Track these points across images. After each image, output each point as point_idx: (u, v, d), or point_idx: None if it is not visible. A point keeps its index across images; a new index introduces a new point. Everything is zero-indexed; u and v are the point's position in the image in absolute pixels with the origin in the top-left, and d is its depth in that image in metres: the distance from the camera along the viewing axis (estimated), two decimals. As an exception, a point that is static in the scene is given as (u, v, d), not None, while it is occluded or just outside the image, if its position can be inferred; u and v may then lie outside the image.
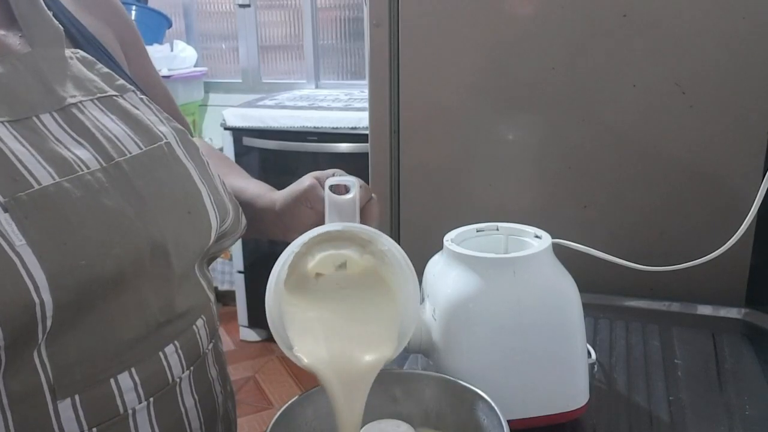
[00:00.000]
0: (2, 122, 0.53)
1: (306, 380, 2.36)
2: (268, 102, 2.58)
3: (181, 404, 0.61)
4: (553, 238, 0.69)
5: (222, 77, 3.06)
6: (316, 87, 2.89)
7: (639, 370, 0.78)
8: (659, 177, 1.00)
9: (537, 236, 0.70)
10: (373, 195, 0.69)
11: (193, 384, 0.62)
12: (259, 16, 2.92)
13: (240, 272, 2.58)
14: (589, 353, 0.77)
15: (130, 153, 0.59)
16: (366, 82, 1.14)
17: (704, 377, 0.77)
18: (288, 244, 0.60)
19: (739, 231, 0.76)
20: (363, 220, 0.65)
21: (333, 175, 0.69)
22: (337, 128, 2.27)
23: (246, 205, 0.75)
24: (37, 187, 0.51)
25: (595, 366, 0.79)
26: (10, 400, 0.49)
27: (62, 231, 0.51)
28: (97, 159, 0.56)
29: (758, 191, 0.75)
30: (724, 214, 0.97)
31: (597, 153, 1.02)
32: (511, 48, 1.03)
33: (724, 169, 0.97)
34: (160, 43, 2.80)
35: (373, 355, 0.55)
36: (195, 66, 2.91)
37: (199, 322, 0.64)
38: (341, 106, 2.45)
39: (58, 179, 0.52)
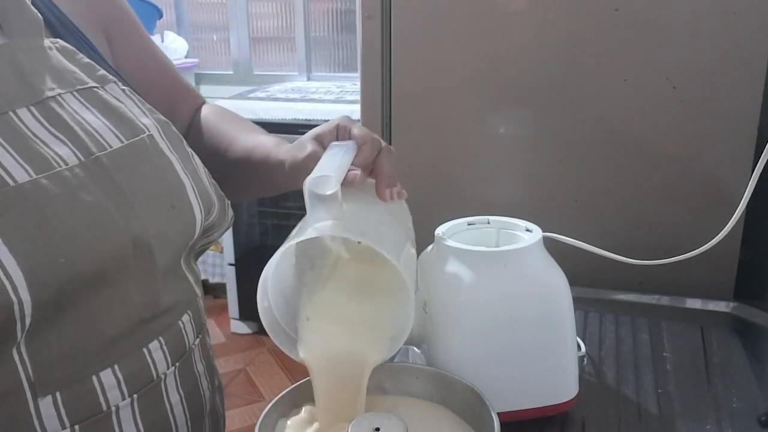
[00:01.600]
0: None
1: (296, 372, 2.36)
2: (259, 94, 2.57)
3: (166, 400, 0.60)
4: (543, 231, 0.69)
5: (213, 69, 3.04)
6: (308, 79, 2.88)
7: (628, 363, 0.79)
8: (649, 171, 1.01)
9: (528, 230, 0.70)
10: (383, 145, 0.64)
11: (178, 380, 0.61)
12: (251, 7, 2.90)
13: (231, 264, 2.57)
14: (578, 346, 0.77)
15: (111, 147, 0.58)
16: (358, 74, 1.13)
17: (693, 370, 0.77)
18: None
19: (728, 225, 0.76)
20: (375, 176, 0.62)
21: (336, 129, 0.66)
22: (328, 120, 2.26)
23: (259, 164, 0.72)
24: (12, 184, 0.50)
25: (585, 359, 0.79)
26: None
27: (40, 229, 0.50)
28: (76, 154, 0.55)
29: (747, 185, 0.75)
30: (714, 209, 0.97)
31: (588, 147, 1.03)
32: (503, 41, 1.03)
33: (714, 164, 0.98)
34: (151, 33, 2.78)
35: (362, 357, 0.55)
36: (186, 57, 2.90)
37: (185, 318, 0.63)
38: (333, 98, 2.44)
39: (34, 176, 0.51)
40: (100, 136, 0.58)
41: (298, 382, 0.59)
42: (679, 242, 0.83)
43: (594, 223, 1.04)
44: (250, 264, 2.57)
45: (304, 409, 0.58)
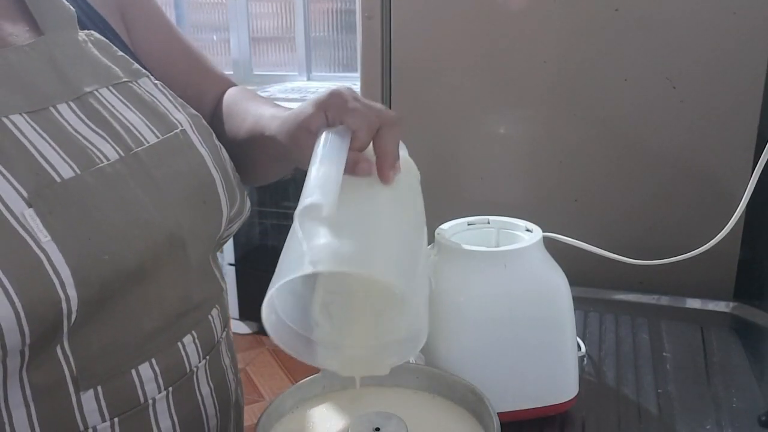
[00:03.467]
0: (21, 114, 0.51)
1: (296, 372, 2.36)
2: (259, 94, 2.57)
3: (197, 392, 0.61)
4: (543, 231, 0.69)
5: (213, 69, 3.04)
6: (308, 79, 2.88)
7: (628, 363, 0.79)
8: (649, 171, 1.01)
9: (528, 230, 0.70)
10: (383, 120, 0.56)
11: (208, 372, 0.62)
12: (251, 7, 2.90)
13: (231, 264, 2.58)
14: (578, 346, 0.77)
15: (148, 142, 0.58)
16: (358, 74, 1.14)
17: (692, 370, 0.77)
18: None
19: (728, 225, 0.76)
20: (375, 154, 0.56)
21: (324, 114, 0.57)
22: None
23: (260, 139, 0.67)
24: (59, 180, 0.50)
25: (585, 359, 0.79)
26: (33, 392, 0.49)
27: (86, 226, 0.50)
28: (115, 149, 0.55)
29: (747, 186, 0.75)
30: (714, 209, 0.97)
31: (588, 147, 1.03)
32: (503, 41, 1.03)
33: (714, 164, 0.98)
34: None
35: (380, 361, 0.55)
36: (186, 57, 2.89)
37: (214, 312, 0.64)
38: (333, 98, 2.44)
39: (79, 172, 0.51)
40: (137, 131, 0.58)
41: (298, 382, 0.59)
42: (679, 242, 0.83)
43: (594, 223, 1.04)
44: (250, 264, 2.57)
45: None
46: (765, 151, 0.73)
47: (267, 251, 2.67)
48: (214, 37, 3.03)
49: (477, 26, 1.04)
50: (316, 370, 0.61)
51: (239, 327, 2.65)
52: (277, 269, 0.49)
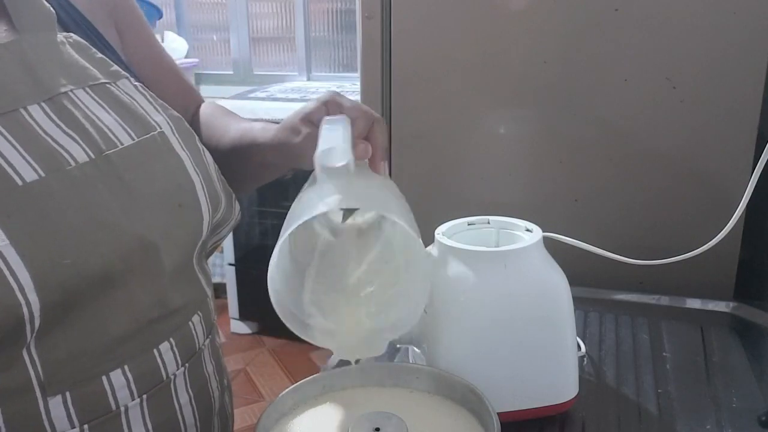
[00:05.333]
0: None
1: (296, 372, 2.36)
2: (259, 94, 2.57)
3: (175, 401, 0.60)
4: (543, 231, 0.69)
5: (213, 69, 3.04)
6: (308, 79, 2.88)
7: (628, 363, 0.79)
8: (649, 171, 1.01)
9: (528, 230, 0.70)
10: (375, 117, 0.64)
11: (188, 380, 0.61)
12: (251, 7, 2.90)
13: (231, 264, 2.58)
14: (578, 346, 0.77)
15: (122, 144, 0.57)
16: (358, 74, 1.14)
17: (692, 370, 0.77)
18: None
19: (728, 225, 0.76)
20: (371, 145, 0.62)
21: (325, 106, 0.65)
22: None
23: (248, 149, 0.72)
24: (20, 184, 0.50)
25: (585, 359, 0.79)
26: (2, 394, 0.49)
27: (47, 230, 0.50)
28: (86, 152, 0.55)
29: (747, 185, 0.75)
30: (714, 208, 0.97)
31: (588, 147, 1.03)
32: (503, 41, 1.03)
33: (714, 164, 0.98)
34: (151, 33, 2.78)
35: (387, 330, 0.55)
36: (186, 57, 2.90)
37: (195, 318, 0.63)
38: (333, 98, 2.44)
39: (44, 175, 0.51)
40: (112, 133, 0.57)
41: (298, 382, 0.59)
42: (679, 242, 0.83)
43: (594, 223, 1.04)
44: (250, 264, 2.57)
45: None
46: (765, 151, 0.73)
47: (267, 251, 2.66)
48: (214, 37, 3.03)
49: (477, 26, 1.04)
50: (316, 370, 0.62)
51: (239, 327, 2.65)
52: (287, 219, 0.51)
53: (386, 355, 0.81)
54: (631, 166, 1.01)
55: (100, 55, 0.62)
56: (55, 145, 0.53)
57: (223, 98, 2.47)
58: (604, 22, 0.98)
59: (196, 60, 2.95)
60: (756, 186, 0.75)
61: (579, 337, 0.78)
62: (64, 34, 0.61)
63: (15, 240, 0.47)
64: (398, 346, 0.76)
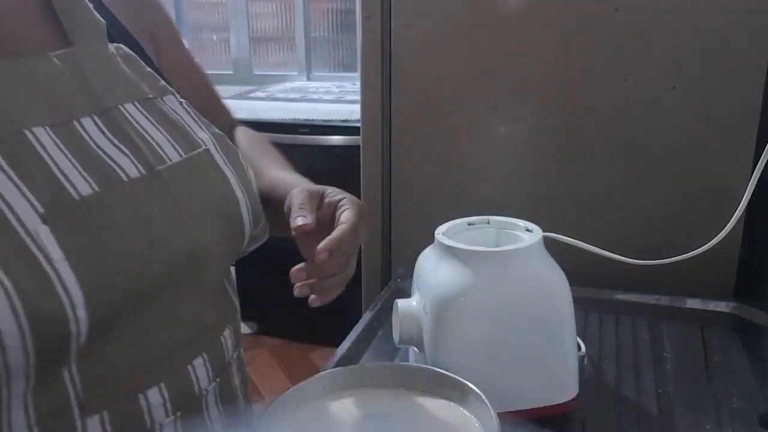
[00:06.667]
0: (43, 127, 0.50)
1: (297, 373, 2.36)
2: (259, 94, 2.57)
3: (206, 416, 0.59)
4: (543, 231, 0.69)
5: (213, 69, 3.04)
6: (308, 79, 2.88)
7: (628, 363, 0.79)
8: (650, 171, 1.01)
9: (528, 230, 0.70)
10: (341, 202, 0.63)
11: (218, 395, 0.60)
12: (251, 7, 2.91)
13: (231, 265, 2.57)
14: (579, 346, 0.77)
15: (171, 160, 0.57)
16: (358, 74, 1.14)
17: (693, 370, 0.77)
18: None
19: (728, 225, 0.76)
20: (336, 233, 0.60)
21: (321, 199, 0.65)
22: (328, 121, 2.26)
23: (279, 202, 0.70)
24: (77, 197, 0.49)
25: (585, 359, 0.79)
26: (37, 417, 0.48)
27: (101, 245, 0.49)
28: (136, 166, 0.54)
29: (747, 185, 0.75)
30: (714, 208, 0.97)
31: (588, 147, 1.03)
32: (503, 41, 1.03)
33: (714, 164, 0.98)
34: (151, 33, 2.78)
35: None
36: (186, 57, 2.89)
37: (227, 332, 0.62)
38: (333, 98, 2.44)
39: (98, 189, 0.50)
40: (161, 148, 0.57)
41: (299, 383, 0.59)
42: (679, 242, 0.83)
43: (594, 223, 1.04)
44: (250, 264, 2.56)
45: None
46: (765, 151, 0.73)
47: (267, 251, 2.67)
48: (214, 37, 3.03)
49: (477, 26, 1.04)
50: (316, 370, 0.62)
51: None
52: None
53: (386, 356, 0.81)
54: (631, 166, 1.01)
55: (148, 69, 0.62)
56: (108, 159, 0.53)
57: (223, 98, 2.47)
58: (604, 22, 0.97)
59: (196, 60, 2.95)
60: (756, 186, 0.75)
61: (579, 337, 0.78)
62: (115, 45, 0.60)
63: (70, 255, 0.46)
64: (398, 346, 0.76)
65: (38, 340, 0.44)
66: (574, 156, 1.03)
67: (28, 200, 0.46)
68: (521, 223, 0.71)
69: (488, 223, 0.73)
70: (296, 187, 0.67)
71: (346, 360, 0.80)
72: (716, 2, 0.93)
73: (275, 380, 2.35)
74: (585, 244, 0.76)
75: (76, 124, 0.52)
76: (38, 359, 0.45)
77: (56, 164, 0.49)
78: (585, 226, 1.04)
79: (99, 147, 0.53)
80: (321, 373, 0.61)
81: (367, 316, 0.91)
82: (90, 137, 0.53)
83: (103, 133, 0.54)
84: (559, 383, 0.67)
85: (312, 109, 2.31)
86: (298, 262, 0.62)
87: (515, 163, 1.07)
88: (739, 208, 0.76)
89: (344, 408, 0.59)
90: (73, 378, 0.49)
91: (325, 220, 0.64)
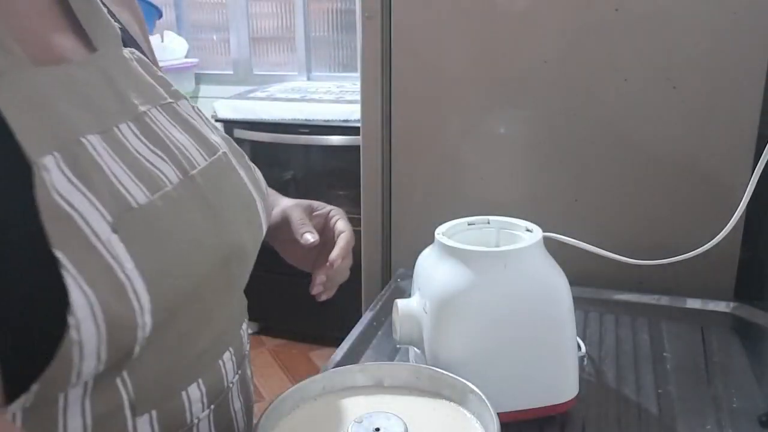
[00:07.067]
0: (96, 135, 0.49)
1: (296, 373, 2.36)
2: (259, 94, 2.57)
3: (231, 407, 0.61)
4: (544, 231, 0.69)
5: (213, 69, 3.04)
6: (308, 79, 2.88)
7: (628, 363, 0.79)
8: (650, 171, 1.01)
9: (528, 230, 0.70)
10: (331, 213, 0.75)
11: (239, 386, 0.63)
12: (251, 7, 2.90)
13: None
14: (578, 346, 0.77)
15: (199, 165, 0.57)
16: (358, 74, 1.14)
17: (693, 370, 0.77)
18: None
19: (728, 225, 0.76)
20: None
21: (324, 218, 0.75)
22: (328, 121, 2.26)
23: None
24: (135, 206, 0.49)
25: (585, 359, 0.79)
26: (93, 421, 0.48)
27: (159, 252, 0.49)
28: (175, 172, 0.54)
29: (747, 186, 0.75)
30: (714, 209, 0.97)
31: (588, 147, 1.03)
32: (503, 41, 1.03)
33: (714, 164, 0.98)
34: (151, 33, 2.77)
35: None
36: (186, 57, 2.90)
37: (244, 325, 0.65)
38: (333, 98, 2.44)
39: (150, 196, 0.50)
40: (189, 153, 0.57)
41: (298, 383, 0.59)
42: (679, 242, 0.83)
43: (594, 223, 1.04)
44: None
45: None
46: (765, 151, 0.73)
47: (267, 251, 2.67)
48: (214, 37, 3.03)
49: (477, 26, 1.04)
50: (316, 370, 0.62)
51: (239, 327, 2.64)
52: None
53: (386, 356, 0.81)
54: (631, 166, 1.01)
55: (161, 73, 0.62)
56: (150, 166, 0.53)
57: (223, 98, 2.47)
58: (604, 22, 0.97)
59: (196, 60, 2.95)
60: (756, 186, 0.75)
61: (579, 337, 0.78)
62: (129, 49, 0.60)
63: (138, 263, 0.47)
64: (398, 346, 0.76)
65: (110, 347, 0.45)
66: (574, 156, 1.04)
67: (98, 209, 0.46)
68: (521, 223, 0.71)
69: (488, 223, 0.73)
70: (277, 199, 0.77)
71: (346, 360, 0.80)
72: (716, 2, 0.93)
73: (275, 380, 2.35)
74: (585, 244, 0.76)
75: (116, 130, 0.52)
76: (105, 365, 0.46)
77: (112, 172, 0.49)
78: (585, 226, 1.04)
79: (139, 153, 0.53)
80: (321, 373, 0.61)
81: (367, 316, 0.91)
82: (130, 143, 0.52)
83: (140, 139, 0.54)
84: (559, 383, 0.67)
85: (312, 109, 2.31)
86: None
87: (515, 163, 1.07)
88: (739, 208, 0.76)
89: (344, 408, 0.59)
90: (124, 381, 0.49)
91: (317, 230, 0.75)
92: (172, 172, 0.54)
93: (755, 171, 0.75)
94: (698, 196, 0.99)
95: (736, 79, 0.94)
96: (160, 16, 2.83)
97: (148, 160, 0.53)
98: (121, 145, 0.51)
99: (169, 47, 2.78)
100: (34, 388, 0.43)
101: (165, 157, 0.54)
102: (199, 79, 3.01)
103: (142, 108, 0.56)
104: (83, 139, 0.48)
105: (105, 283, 0.44)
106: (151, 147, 0.54)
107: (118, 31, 0.59)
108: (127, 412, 0.50)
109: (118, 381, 0.49)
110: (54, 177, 0.44)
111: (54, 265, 0.42)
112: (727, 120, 0.96)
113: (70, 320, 0.42)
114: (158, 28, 2.85)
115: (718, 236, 0.76)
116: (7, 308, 0.42)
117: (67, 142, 0.47)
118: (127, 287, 0.45)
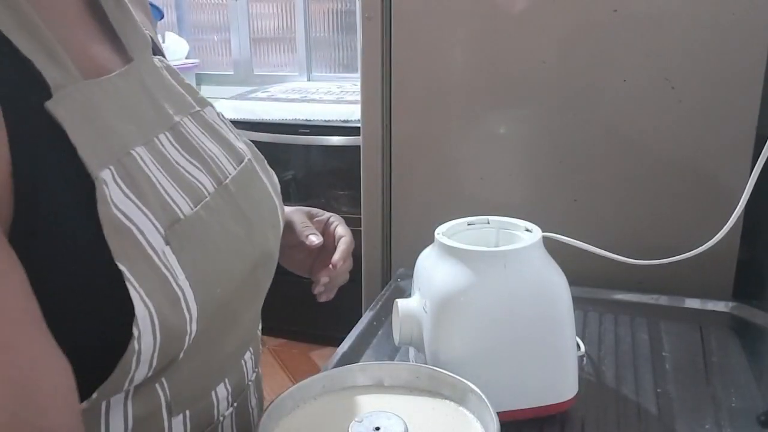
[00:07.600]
0: (143, 146, 0.50)
1: (298, 372, 2.36)
2: (260, 94, 2.57)
3: (249, 404, 0.63)
4: (543, 231, 0.69)
5: (214, 69, 3.04)
6: (308, 80, 2.88)
7: (627, 362, 0.79)
8: (648, 171, 1.01)
9: (527, 230, 0.70)
10: (330, 219, 0.77)
11: (255, 384, 0.64)
12: (252, 7, 2.91)
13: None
14: (578, 346, 0.77)
15: (229, 173, 0.58)
16: (358, 75, 1.14)
17: (691, 370, 0.77)
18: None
19: (726, 225, 0.76)
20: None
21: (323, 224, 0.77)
22: (329, 121, 2.26)
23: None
24: (182, 217, 0.49)
25: (584, 358, 0.80)
26: (134, 422, 0.49)
27: (205, 262, 0.50)
28: (210, 182, 0.55)
29: (746, 185, 0.76)
30: (712, 208, 0.97)
31: (587, 147, 1.03)
32: (503, 42, 1.03)
33: (713, 164, 0.98)
34: (151, 34, 2.78)
35: None
36: (186, 58, 2.90)
37: (260, 326, 0.66)
38: (333, 99, 2.44)
39: (194, 207, 0.51)
40: (219, 161, 0.58)
41: (298, 382, 0.59)
42: (679, 242, 0.83)
43: (594, 223, 1.04)
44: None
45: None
46: (764, 151, 0.73)
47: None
48: (215, 38, 3.03)
49: (477, 26, 1.04)
50: (316, 370, 0.62)
51: (240, 327, 2.64)
52: None
53: (386, 355, 0.81)
54: (631, 166, 1.01)
55: (187, 81, 0.62)
56: (189, 176, 0.53)
57: (224, 98, 2.48)
58: (603, 22, 0.98)
59: (197, 60, 2.96)
60: (755, 186, 0.75)
61: (579, 337, 0.78)
62: (158, 58, 0.60)
63: (188, 273, 0.48)
64: (398, 346, 0.76)
65: (161, 355, 0.46)
66: (573, 156, 1.04)
67: (151, 222, 0.47)
68: (521, 223, 0.71)
69: (488, 223, 0.73)
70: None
71: (346, 360, 0.80)
72: (715, 2, 0.93)
73: (275, 380, 2.35)
74: (584, 244, 0.76)
75: (156, 141, 0.52)
76: (153, 372, 0.47)
77: (159, 184, 0.49)
78: (585, 226, 1.04)
79: (177, 163, 0.53)
80: (321, 373, 0.61)
81: (367, 316, 0.91)
82: (169, 154, 0.53)
83: (177, 149, 0.54)
84: (558, 383, 0.68)
85: (312, 109, 2.31)
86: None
87: (515, 163, 1.08)
88: (737, 208, 0.76)
89: (344, 408, 0.59)
90: (162, 384, 0.50)
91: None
92: (208, 182, 0.54)
93: (754, 171, 0.75)
94: (697, 196, 0.99)
95: (734, 79, 0.94)
96: (162, 17, 2.83)
97: (186, 171, 0.53)
98: (163, 157, 0.52)
99: (170, 48, 2.78)
100: (94, 396, 0.44)
101: (201, 167, 0.55)
102: (200, 79, 3.01)
103: (176, 118, 0.56)
104: (133, 152, 0.49)
105: (162, 294, 0.45)
106: (188, 157, 0.54)
107: (149, 39, 0.59)
108: (164, 413, 0.51)
109: (157, 384, 0.50)
110: (112, 191, 0.45)
111: (117, 278, 0.43)
112: (726, 120, 0.96)
113: (134, 331, 0.43)
114: (159, 28, 2.85)
115: (716, 236, 0.76)
116: (76, 321, 0.43)
117: (119, 155, 0.47)
118: (180, 298, 0.46)
